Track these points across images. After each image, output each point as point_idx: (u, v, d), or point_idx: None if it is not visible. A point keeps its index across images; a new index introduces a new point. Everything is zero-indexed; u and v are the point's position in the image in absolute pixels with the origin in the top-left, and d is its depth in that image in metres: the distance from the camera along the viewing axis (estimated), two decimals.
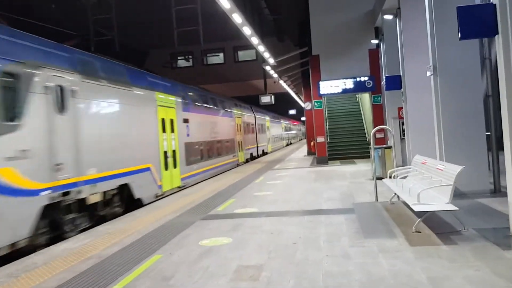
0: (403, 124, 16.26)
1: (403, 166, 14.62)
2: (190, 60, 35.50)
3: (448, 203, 6.10)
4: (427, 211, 6.27)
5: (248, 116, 29.82)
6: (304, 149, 36.49)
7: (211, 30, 31.61)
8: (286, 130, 53.21)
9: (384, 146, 13.40)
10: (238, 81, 35.88)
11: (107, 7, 22.24)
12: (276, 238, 6.69)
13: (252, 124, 31.10)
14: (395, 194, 8.95)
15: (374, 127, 20.23)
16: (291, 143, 54.53)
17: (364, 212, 8.25)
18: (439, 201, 6.36)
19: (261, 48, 16.32)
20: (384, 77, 16.47)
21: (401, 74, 13.29)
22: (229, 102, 24.98)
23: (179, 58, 36.03)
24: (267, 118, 39.27)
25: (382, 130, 19.60)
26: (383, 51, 16.93)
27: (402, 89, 13.33)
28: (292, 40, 29.65)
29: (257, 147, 32.45)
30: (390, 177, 9.33)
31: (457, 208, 5.90)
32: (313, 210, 8.91)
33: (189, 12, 23.92)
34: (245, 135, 27.26)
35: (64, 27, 22.15)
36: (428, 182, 7.21)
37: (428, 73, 9.71)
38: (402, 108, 16.36)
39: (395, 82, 13.28)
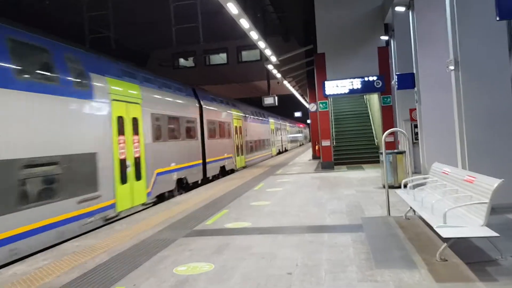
0: (415, 127, 15.04)
1: (415, 173, 13.36)
2: (192, 59, 34.50)
3: (483, 225, 4.86)
4: (457, 237, 5.01)
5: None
6: (308, 153, 35.27)
7: (213, 29, 30.60)
8: (287, 133, 52.04)
9: (395, 151, 12.13)
10: (241, 82, 34.73)
11: (103, 4, 21.26)
12: (268, 266, 5.46)
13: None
14: (411, 208, 7.70)
15: (384, 130, 19.07)
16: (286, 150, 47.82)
17: (375, 230, 7.01)
18: (470, 222, 5.11)
19: (262, 45, 15.13)
20: (395, 76, 15.21)
21: (414, 72, 12.04)
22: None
23: (181, 58, 35.07)
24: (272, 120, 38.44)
25: (393, 133, 18.36)
26: (393, 48, 15.69)
27: (415, 88, 12.09)
28: (298, 40, 28.45)
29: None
30: (404, 187, 8.07)
31: (497, 234, 4.65)
32: (315, 226, 7.67)
33: (190, 9, 22.89)
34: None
35: (58, 24, 21.19)
36: (454, 197, 5.95)
37: (449, 68, 8.46)
38: (414, 109, 15.14)
39: (408, 81, 12.03)
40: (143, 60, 32.01)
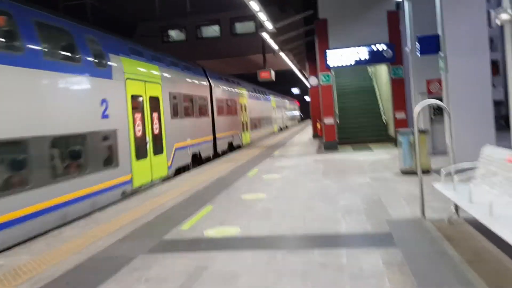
0: None
1: (433, 155, 11.39)
2: (183, 32, 32.12)
3: None
4: None
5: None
6: (308, 131, 33.23)
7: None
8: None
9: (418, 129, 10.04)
10: (236, 56, 32.36)
11: None
12: None
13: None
14: (456, 207, 5.69)
15: (395, 105, 17.01)
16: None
17: (413, 245, 4.99)
18: None
19: (255, 6, 12.88)
20: (408, 42, 13.04)
21: (439, 34, 9.89)
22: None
23: (170, 31, 32.69)
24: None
25: (404, 109, 16.29)
26: (407, 9, 13.45)
27: (440, 53, 9.95)
28: (295, 9, 26.01)
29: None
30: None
31: None
32: (326, 235, 5.65)
33: None
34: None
35: None
36: None
37: (500, 19, 6.32)
38: (432, 80, 13.02)
39: (432, 44, 9.88)
40: (129, 32, 29.56)
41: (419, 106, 6.32)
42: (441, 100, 9.61)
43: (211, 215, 7.16)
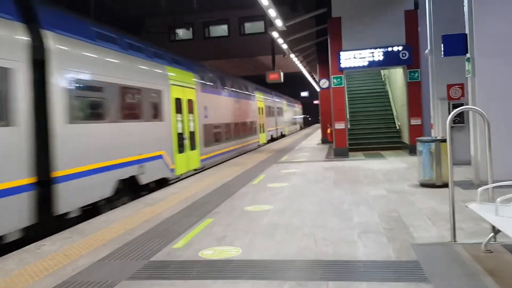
0: (454, 106, 12.12)
1: (456, 165, 10.56)
2: (190, 31, 31.41)
3: None
4: None
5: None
6: (317, 135, 32.38)
7: None
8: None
9: (439, 138, 9.18)
10: (244, 57, 31.56)
11: None
12: None
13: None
14: (494, 231, 4.83)
15: (411, 110, 16.09)
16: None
17: (447, 279, 4.12)
18: None
19: (265, 1, 12.08)
20: (430, 42, 12.17)
21: (467, 33, 9.01)
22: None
23: (178, 30, 32.03)
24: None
25: (419, 115, 15.41)
26: (428, 7, 12.58)
27: (467, 55, 9.07)
28: (306, 9, 25.19)
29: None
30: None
31: None
32: (341, 261, 4.80)
33: None
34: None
35: None
36: None
37: None
38: (454, 85, 12.17)
39: (459, 44, 8.99)
40: (135, 29, 28.88)
41: (453, 114, 5.43)
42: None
43: (209, 230, 6.35)
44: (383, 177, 10.73)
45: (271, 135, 31.24)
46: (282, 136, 36.34)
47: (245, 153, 20.68)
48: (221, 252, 5.26)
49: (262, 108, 28.06)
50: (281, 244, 5.51)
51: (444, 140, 9.04)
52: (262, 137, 27.43)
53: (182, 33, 31.90)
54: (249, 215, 7.22)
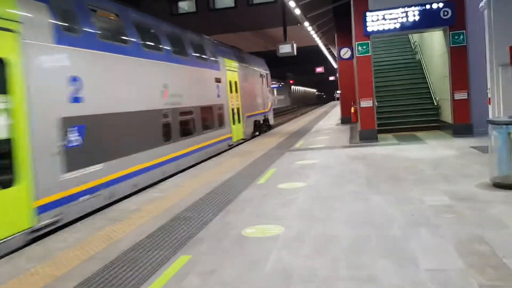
0: None
1: None
2: (194, 2, 28.64)
3: None
4: None
5: None
6: (336, 113, 29.51)
7: None
8: None
9: None
10: (253, 30, 28.71)
11: None
12: None
13: None
14: None
15: (454, 81, 13.05)
16: None
17: None
18: None
19: None
20: None
21: None
22: None
23: (180, 2, 29.32)
24: None
25: (466, 87, 12.56)
26: None
27: None
28: None
29: None
30: None
31: None
32: None
33: None
34: None
35: None
36: None
37: None
38: None
39: None
40: (133, 1, 26.16)
41: None
42: None
43: (182, 279, 3.80)
44: (432, 171, 8.01)
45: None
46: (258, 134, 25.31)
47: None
48: None
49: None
50: None
51: None
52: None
53: (184, 5, 29.20)
54: (247, 248, 4.64)
